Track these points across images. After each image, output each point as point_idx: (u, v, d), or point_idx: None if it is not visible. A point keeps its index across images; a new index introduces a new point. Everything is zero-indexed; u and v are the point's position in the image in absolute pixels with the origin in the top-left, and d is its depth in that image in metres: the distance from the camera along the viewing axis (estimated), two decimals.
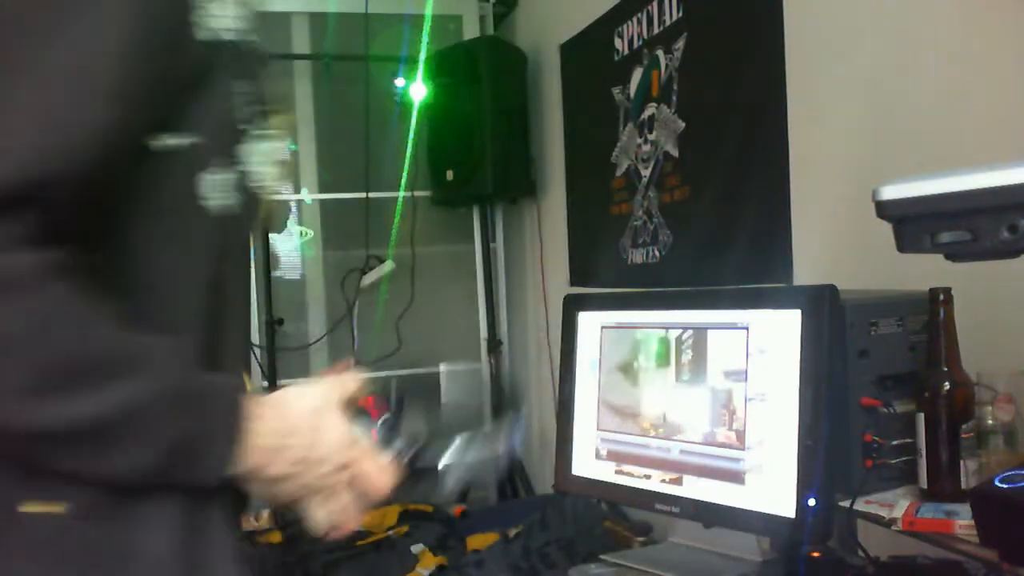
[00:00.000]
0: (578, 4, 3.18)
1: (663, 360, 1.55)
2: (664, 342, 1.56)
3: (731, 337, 1.45)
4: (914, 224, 0.80)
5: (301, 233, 3.79)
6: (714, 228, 2.43)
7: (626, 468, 1.59)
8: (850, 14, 1.93)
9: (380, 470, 0.88)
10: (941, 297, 1.34)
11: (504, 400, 3.75)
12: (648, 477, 1.55)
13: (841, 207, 1.94)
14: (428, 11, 3.42)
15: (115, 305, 0.75)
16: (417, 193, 3.71)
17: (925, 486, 1.35)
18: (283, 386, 0.91)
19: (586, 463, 1.67)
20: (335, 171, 3.77)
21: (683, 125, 2.58)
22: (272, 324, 3.53)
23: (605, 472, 1.63)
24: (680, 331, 1.53)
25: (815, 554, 1.38)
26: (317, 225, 3.81)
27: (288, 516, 2.63)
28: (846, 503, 1.34)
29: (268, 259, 3.52)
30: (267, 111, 0.85)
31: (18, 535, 0.74)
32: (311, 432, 0.84)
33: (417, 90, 3.51)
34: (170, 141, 0.77)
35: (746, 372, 1.42)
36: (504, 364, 3.87)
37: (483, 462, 0.95)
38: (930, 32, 1.73)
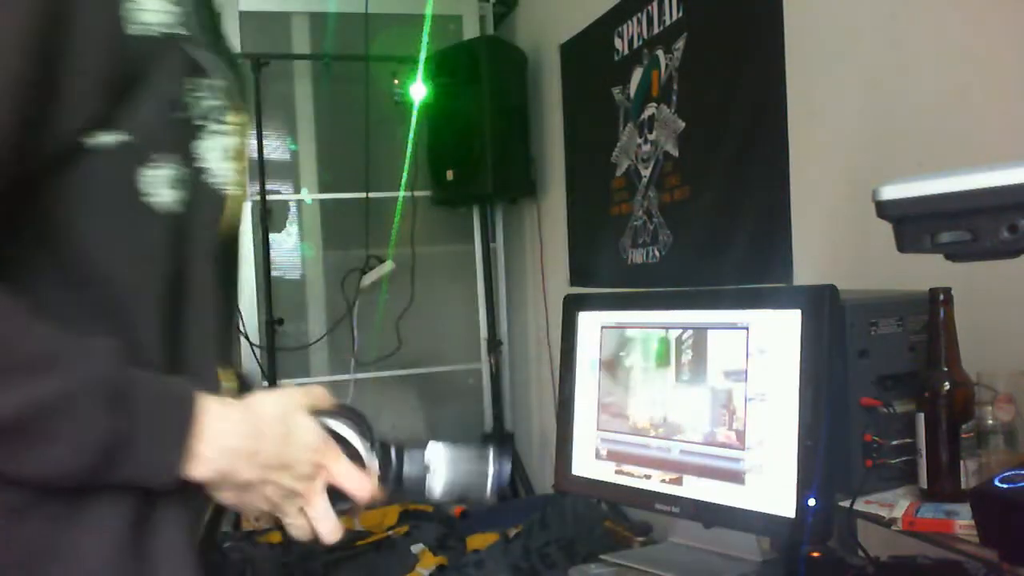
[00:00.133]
0: (578, 4, 3.18)
1: (663, 360, 1.55)
2: (664, 342, 1.56)
3: (731, 337, 1.45)
4: (914, 224, 0.80)
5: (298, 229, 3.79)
6: (714, 228, 2.43)
7: (626, 468, 1.59)
8: (850, 14, 1.93)
9: (356, 472, 0.87)
10: (941, 297, 1.34)
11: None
12: (648, 477, 1.55)
13: (841, 207, 1.94)
14: (428, 11, 3.42)
15: (59, 301, 0.74)
16: (417, 193, 3.71)
17: (925, 486, 1.35)
18: (283, 386, 0.91)
19: (586, 463, 1.67)
20: (335, 171, 3.77)
21: (683, 125, 2.58)
22: (272, 324, 3.53)
23: (605, 472, 1.63)
24: (680, 331, 1.53)
25: (815, 554, 1.38)
26: (317, 225, 3.81)
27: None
28: (846, 503, 1.34)
29: (268, 259, 3.52)
30: (226, 107, 0.83)
31: None
32: (281, 435, 0.82)
33: (417, 90, 3.51)
34: (103, 138, 0.75)
35: (746, 372, 1.42)
36: (504, 364, 3.87)
37: (470, 474, 0.94)
38: (930, 32, 1.73)
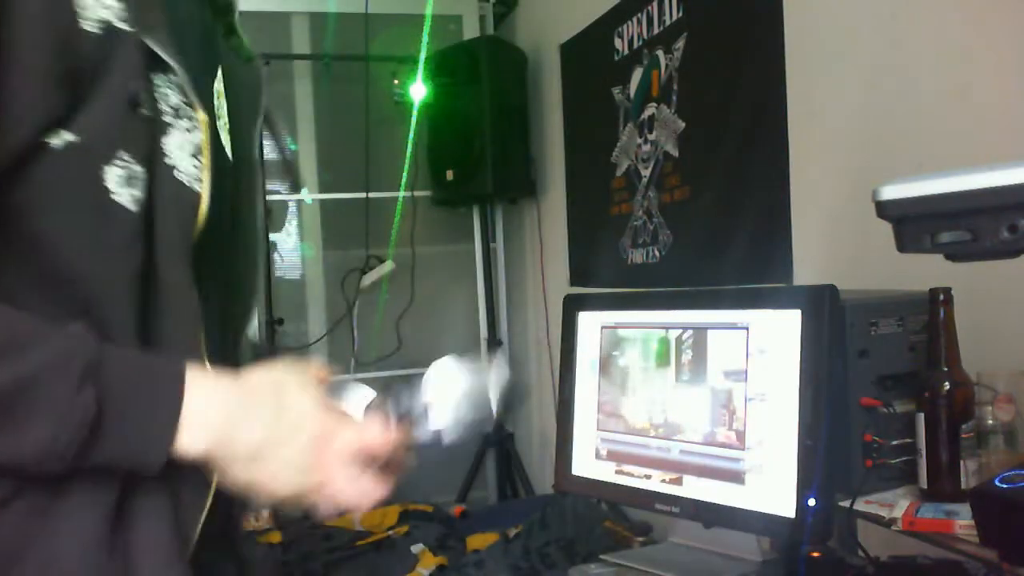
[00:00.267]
0: (578, 4, 3.18)
1: (663, 360, 1.55)
2: (664, 342, 1.56)
3: (731, 337, 1.45)
4: (914, 224, 0.80)
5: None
6: (714, 228, 2.44)
7: (626, 468, 1.59)
8: (850, 14, 1.93)
9: (374, 431, 0.83)
10: (941, 297, 1.34)
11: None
12: (648, 477, 1.55)
13: (841, 207, 1.94)
14: (428, 11, 3.42)
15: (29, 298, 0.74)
16: (417, 193, 3.71)
17: (925, 486, 1.35)
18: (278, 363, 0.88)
19: (586, 463, 1.67)
20: (335, 171, 3.78)
21: (683, 125, 2.58)
22: (272, 324, 3.53)
23: (605, 472, 1.63)
24: (680, 331, 1.53)
25: (815, 554, 1.38)
26: (317, 225, 3.81)
27: (288, 515, 2.63)
28: (846, 503, 1.34)
29: (268, 259, 3.53)
30: (190, 103, 0.81)
31: None
32: (274, 402, 0.80)
33: (417, 90, 3.51)
34: (66, 137, 0.74)
35: (746, 372, 1.42)
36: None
37: (475, 395, 0.89)
38: (930, 32, 1.73)
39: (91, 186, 0.75)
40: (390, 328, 3.70)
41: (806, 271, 2.07)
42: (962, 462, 1.32)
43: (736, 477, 1.41)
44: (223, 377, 0.80)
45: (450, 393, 0.88)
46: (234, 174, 0.92)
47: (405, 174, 3.67)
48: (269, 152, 1.03)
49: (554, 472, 1.74)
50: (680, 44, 2.56)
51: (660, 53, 2.67)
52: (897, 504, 1.33)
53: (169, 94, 0.79)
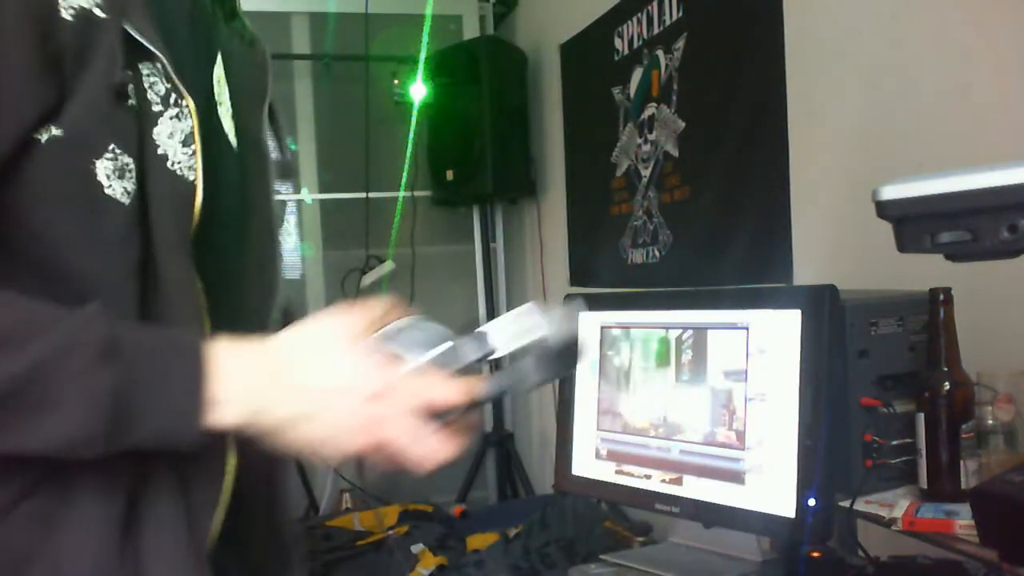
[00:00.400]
0: (578, 4, 3.18)
1: (663, 360, 1.55)
2: (664, 342, 1.56)
3: (731, 337, 1.45)
4: (914, 224, 0.80)
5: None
6: (714, 228, 2.44)
7: (626, 468, 1.59)
8: (850, 14, 1.93)
9: (436, 384, 0.78)
10: (941, 297, 1.34)
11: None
12: (648, 477, 1.55)
13: (841, 207, 1.94)
14: (428, 11, 3.42)
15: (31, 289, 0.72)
16: (417, 193, 3.71)
17: (925, 486, 1.35)
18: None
19: (586, 463, 1.67)
20: (335, 171, 3.77)
21: (683, 125, 2.58)
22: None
23: (605, 472, 1.63)
24: (680, 331, 1.53)
25: (815, 554, 1.38)
26: (317, 225, 3.81)
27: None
28: (846, 503, 1.34)
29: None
30: (178, 90, 0.79)
31: None
32: (314, 363, 0.76)
33: (417, 90, 3.51)
34: (54, 131, 0.72)
35: (746, 372, 1.42)
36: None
37: (541, 344, 0.82)
38: (930, 32, 1.73)
39: (82, 181, 0.74)
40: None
41: (806, 271, 2.07)
42: (962, 462, 1.32)
43: (736, 477, 1.41)
44: (254, 343, 0.76)
45: (517, 342, 0.82)
46: (241, 160, 0.90)
47: (405, 174, 3.66)
48: (272, 151, 1.00)
49: (554, 472, 1.74)
50: (680, 44, 2.56)
51: (660, 53, 2.67)
52: (897, 504, 1.33)
53: (155, 82, 0.78)
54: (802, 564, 1.37)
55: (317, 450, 0.76)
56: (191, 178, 0.79)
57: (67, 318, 0.70)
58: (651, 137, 2.74)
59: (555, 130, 3.42)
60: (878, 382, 1.41)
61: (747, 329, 1.43)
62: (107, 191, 0.74)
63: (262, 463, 0.90)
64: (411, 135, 3.57)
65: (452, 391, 0.78)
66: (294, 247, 3.77)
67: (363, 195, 3.62)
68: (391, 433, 0.76)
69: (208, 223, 0.81)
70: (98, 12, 0.74)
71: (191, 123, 0.79)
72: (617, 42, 2.93)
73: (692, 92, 2.53)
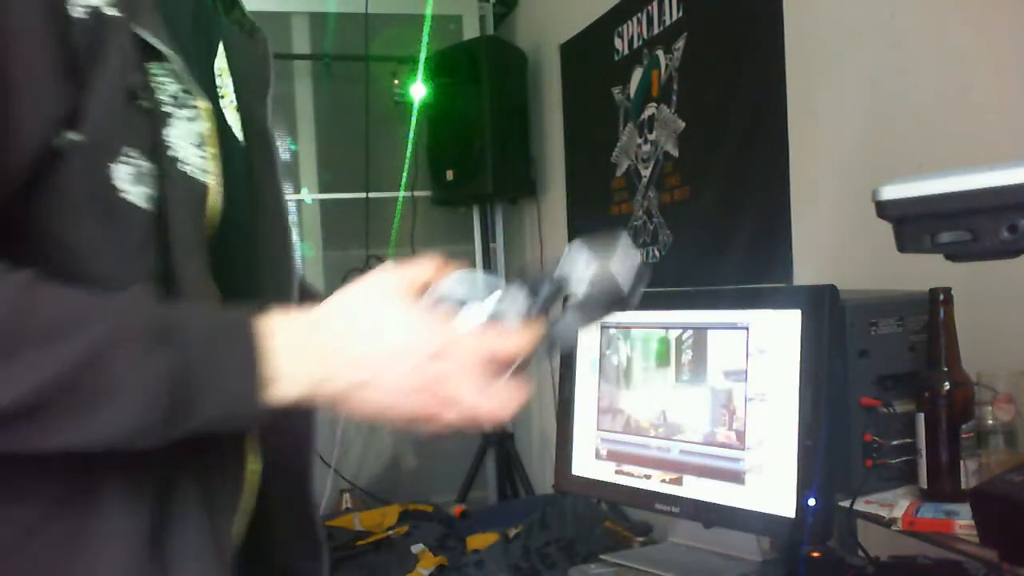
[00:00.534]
0: (578, 4, 3.18)
1: (663, 360, 1.55)
2: (664, 342, 1.56)
3: (731, 337, 1.45)
4: (914, 224, 0.80)
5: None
6: (714, 228, 2.44)
7: (626, 468, 1.59)
8: (850, 14, 1.93)
9: (497, 334, 0.75)
10: (941, 297, 1.34)
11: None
12: (648, 477, 1.55)
13: (841, 207, 1.94)
14: (428, 11, 3.42)
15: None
16: (417, 193, 3.71)
17: (925, 486, 1.35)
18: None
19: (586, 463, 1.67)
20: (335, 171, 3.77)
21: (683, 125, 2.58)
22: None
23: (605, 472, 1.63)
24: (680, 331, 1.53)
25: (815, 554, 1.38)
26: (317, 225, 3.81)
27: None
28: (846, 503, 1.34)
29: None
30: (190, 91, 0.77)
31: None
32: (369, 324, 0.74)
33: (417, 90, 3.51)
34: (70, 136, 0.69)
35: (746, 372, 1.42)
36: None
37: (603, 280, 0.79)
38: (930, 32, 1.73)
39: (100, 186, 0.72)
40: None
41: (806, 271, 2.07)
42: (962, 462, 1.32)
43: (736, 477, 1.41)
44: (306, 312, 0.74)
45: (579, 280, 0.79)
46: (247, 154, 0.88)
47: (405, 174, 3.66)
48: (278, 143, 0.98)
49: (554, 472, 1.74)
50: (680, 44, 2.56)
51: (660, 53, 2.67)
52: (897, 504, 1.33)
53: (166, 83, 0.76)
54: (802, 564, 1.37)
55: (383, 414, 0.74)
56: (205, 180, 0.77)
57: (114, 303, 0.68)
58: (651, 137, 2.74)
59: (555, 130, 3.42)
60: (878, 382, 1.42)
61: (747, 329, 1.43)
62: (125, 196, 0.72)
63: (289, 463, 0.90)
64: (411, 135, 3.57)
65: (513, 342, 0.76)
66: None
67: (363, 195, 3.62)
68: (456, 391, 0.74)
69: (220, 223, 0.79)
70: (109, 10, 0.72)
71: (205, 124, 0.78)
72: (617, 42, 2.93)
73: (692, 92, 2.53)
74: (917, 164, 1.69)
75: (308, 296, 0.94)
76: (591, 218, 3.18)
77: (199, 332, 0.70)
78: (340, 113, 3.72)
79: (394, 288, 0.76)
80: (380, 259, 3.69)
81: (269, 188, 0.93)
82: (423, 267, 0.78)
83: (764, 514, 1.37)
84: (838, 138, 1.97)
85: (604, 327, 1.67)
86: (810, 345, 1.34)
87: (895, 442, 1.41)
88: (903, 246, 0.81)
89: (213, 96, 0.84)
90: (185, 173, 0.76)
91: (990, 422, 1.35)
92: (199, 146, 0.77)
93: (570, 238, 3.33)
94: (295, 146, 3.73)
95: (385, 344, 0.73)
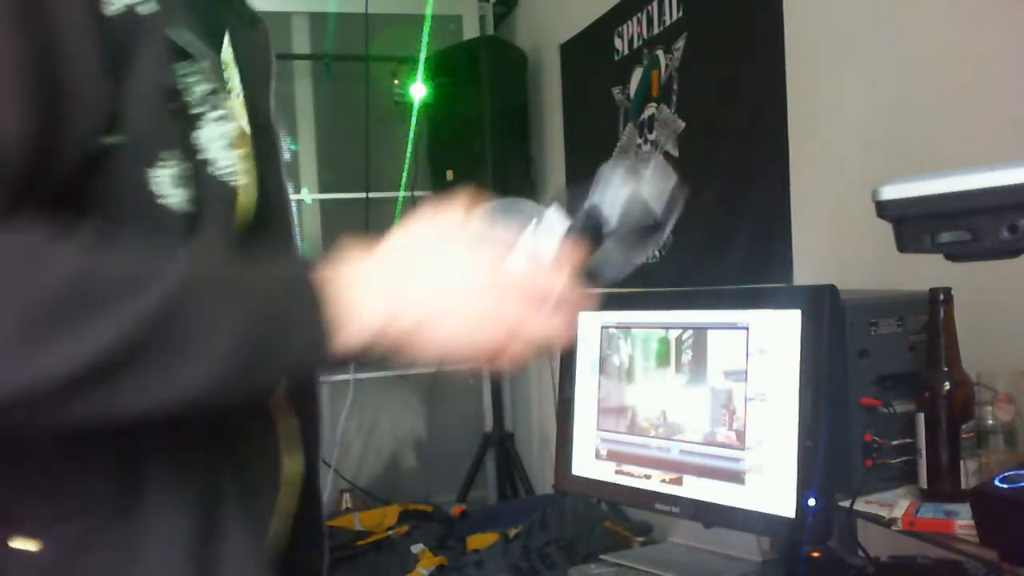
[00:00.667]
0: (578, 4, 3.18)
1: (663, 360, 1.55)
2: (664, 342, 1.56)
3: (731, 337, 1.45)
4: (914, 224, 0.80)
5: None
6: (714, 228, 2.43)
7: (626, 468, 1.59)
8: (850, 14, 1.93)
9: (548, 262, 0.76)
10: (941, 297, 1.34)
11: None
12: (648, 477, 1.55)
13: (841, 207, 1.94)
14: (428, 11, 3.42)
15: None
16: (417, 193, 3.71)
17: (925, 486, 1.35)
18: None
19: (586, 463, 1.67)
20: (335, 171, 3.77)
21: (683, 125, 2.58)
22: None
23: (605, 472, 1.63)
24: (680, 331, 1.53)
25: (815, 554, 1.38)
26: (317, 225, 3.81)
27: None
28: (846, 503, 1.34)
29: None
30: (219, 90, 0.76)
31: (15, 571, 0.70)
32: (430, 261, 0.73)
33: (417, 90, 3.51)
34: (110, 140, 0.68)
35: (746, 372, 1.42)
36: None
37: (639, 201, 0.79)
38: (930, 32, 1.73)
39: (138, 191, 0.70)
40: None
41: (806, 271, 2.07)
42: (962, 462, 1.32)
43: (736, 477, 1.41)
44: (367, 256, 0.73)
45: (613, 204, 0.80)
46: (255, 146, 0.87)
47: (405, 174, 3.66)
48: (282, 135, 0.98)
49: (554, 472, 1.74)
50: (680, 44, 2.56)
51: (660, 53, 2.67)
52: (897, 504, 1.33)
53: (197, 82, 0.74)
54: (802, 564, 1.37)
55: (452, 350, 0.73)
56: (236, 182, 0.76)
57: (180, 258, 0.67)
58: (651, 137, 2.74)
59: (555, 130, 3.42)
60: (878, 382, 1.41)
61: (747, 329, 1.43)
62: (161, 201, 0.71)
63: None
64: (411, 135, 3.57)
65: (557, 273, 0.76)
66: None
67: (363, 195, 3.62)
68: (519, 320, 0.74)
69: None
70: (143, 9, 0.71)
71: (235, 124, 0.77)
72: (617, 42, 2.93)
73: (692, 92, 2.53)
74: (917, 164, 1.69)
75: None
76: None
77: (266, 282, 0.69)
78: (340, 113, 3.72)
79: (445, 227, 0.76)
80: None
81: (273, 180, 0.92)
82: (460, 203, 0.77)
83: (764, 514, 1.37)
84: (838, 138, 1.97)
85: (604, 327, 1.67)
86: (810, 345, 1.34)
87: (895, 442, 1.41)
88: (903, 246, 0.81)
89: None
90: (216, 176, 0.75)
91: (990, 422, 1.35)
92: (229, 147, 0.76)
93: None
94: (295, 146, 3.73)
95: (448, 280, 0.73)
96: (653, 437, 1.55)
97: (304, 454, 0.87)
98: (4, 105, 0.64)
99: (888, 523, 1.30)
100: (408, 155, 3.63)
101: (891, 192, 0.80)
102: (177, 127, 0.73)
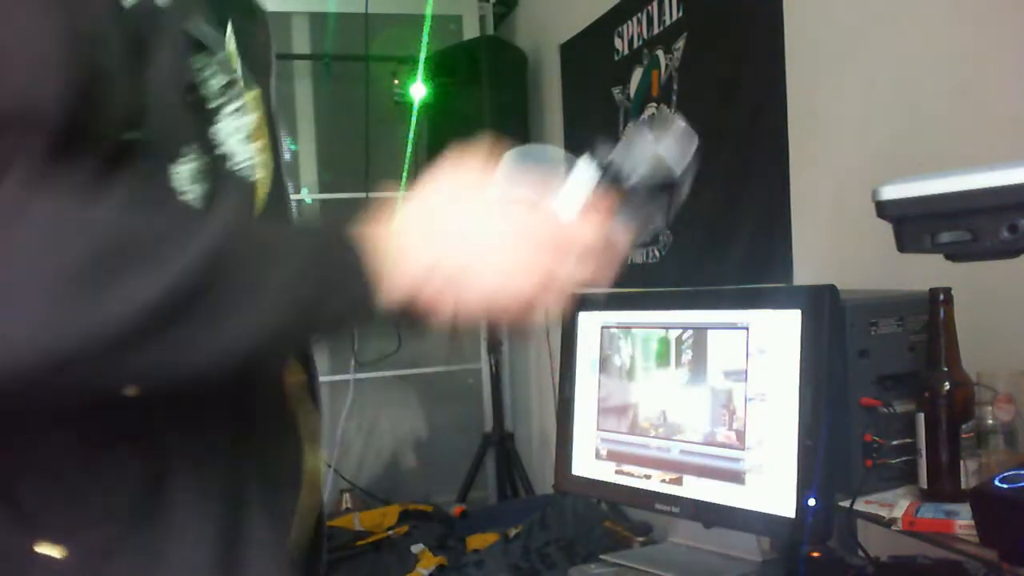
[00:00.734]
0: (578, 4, 3.18)
1: (663, 360, 1.55)
2: (664, 342, 1.56)
3: (731, 337, 1.45)
4: (914, 224, 0.80)
5: None
6: (714, 228, 2.43)
7: (626, 468, 1.59)
8: (850, 14, 1.93)
9: (579, 208, 0.76)
10: (941, 297, 1.34)
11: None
12: (648, 477, 1.55)
13: (841, 207, 1.94)
14: (428, 11, 3.42)
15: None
16: None
17: (925, 486, 1.35)
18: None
19: (586, 463, 1.67)
20: (335, 171, 3.77)
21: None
22: None
23: (605, 472, 1.63)
24: (680, 331, 1.53)
25: (815, 554, 1.38)
26: None
27: None
28: (846, 503, 1.34)
29: None
30: (236, 82, 0.75)
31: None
32: (462, 212, 0.73)
33: (417, 90, 3.51)
34: (133, 135, 0.67)
35: (746, 372, 1.42)
36: (504, 364, 3.87)
37: (659, 159, 0.81)
38: (930, 32, 1.73)
39: (158, 188, 0.70)
40: (390, 328, 3.69)
41: (806, 271, 2.07)
42: (962, 462, 1.32)
43: (736, 477, 1.41)
44: (402, 208, 0.73)
45: (637, 161, 0.80)
46: None
47: (405, 174, 3.66)
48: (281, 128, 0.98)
49: (554, 472, 1.74)
50: (680, 44, 2.56)
51: (660, 53, 2.67)
52: (897, 504, 1.33)
53: (213, 74, 0.73)
54: (802, 564, 1.37)
55: (490, 301, 0.72)
56: (254, 176, 0.76)
57: (221, 213, 0.67)
58: None
59: (555, 130, 3.42)
60: (878, 382, 1.42)
61: (747, 329, 1.43)
62: (187, 197, 0.71)
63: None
64: (411, 135, 3.57)
65: (597, 213, 0.76)
66: None
67: (363, 195, 3.62)
68: (554, 268, 0.73)
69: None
70: (159, 0, 0.70)
71: (253, 116, 0.76)
72: (617, 42, 2.93)
73: (692, 92, 2.53)
74: (917, 164, 1.69)
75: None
76: None
77: (309, 237, 0.70)
78: (340, 113, 3.72)
79: (471, 176, 0.75)
80: None
81: (275, 176, 0.92)
82: (481, 154, 0.77)
83: (764, 514, 1.37)
84: (838, 138, 1.97)
85: (604, 327, 1.67)
86: (810, 345, 1.34)
87: (895, 442, 1.41)
88: (903, 246, 0.81)
89: None
90: (234, 170, 0.75)
91: (990, 422, 1.35)
92: (247, 140, 0.76)
93: None
94: (295, 146, 3.73)
95: (481, 228, 0.73)
96: (653, 437, 1.55)
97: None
98: (45, 71, 0.63)
99: (888, 523, 1.30)
100: (408, 155, 3.63)
101: (891, 192, 0.80)
102: (195, 121, 0.72)
